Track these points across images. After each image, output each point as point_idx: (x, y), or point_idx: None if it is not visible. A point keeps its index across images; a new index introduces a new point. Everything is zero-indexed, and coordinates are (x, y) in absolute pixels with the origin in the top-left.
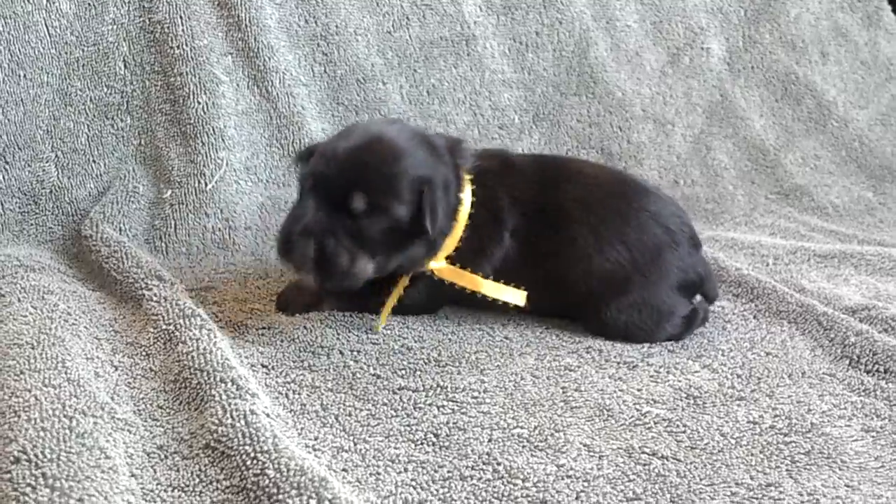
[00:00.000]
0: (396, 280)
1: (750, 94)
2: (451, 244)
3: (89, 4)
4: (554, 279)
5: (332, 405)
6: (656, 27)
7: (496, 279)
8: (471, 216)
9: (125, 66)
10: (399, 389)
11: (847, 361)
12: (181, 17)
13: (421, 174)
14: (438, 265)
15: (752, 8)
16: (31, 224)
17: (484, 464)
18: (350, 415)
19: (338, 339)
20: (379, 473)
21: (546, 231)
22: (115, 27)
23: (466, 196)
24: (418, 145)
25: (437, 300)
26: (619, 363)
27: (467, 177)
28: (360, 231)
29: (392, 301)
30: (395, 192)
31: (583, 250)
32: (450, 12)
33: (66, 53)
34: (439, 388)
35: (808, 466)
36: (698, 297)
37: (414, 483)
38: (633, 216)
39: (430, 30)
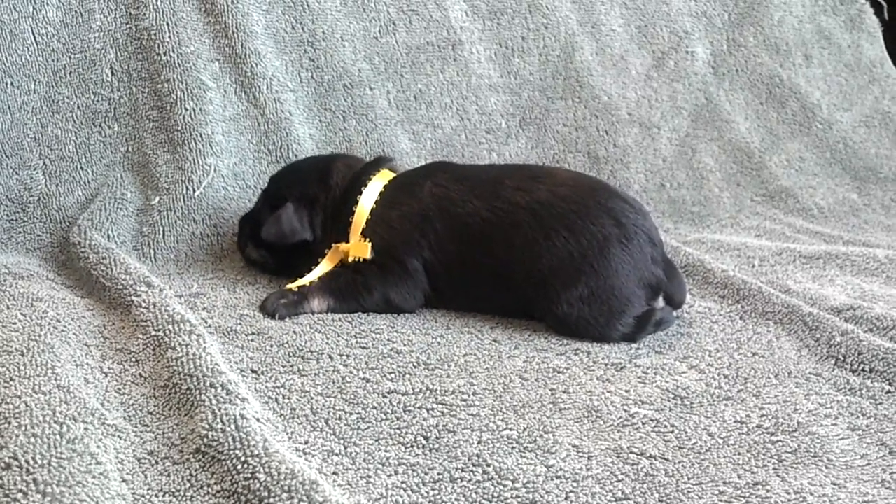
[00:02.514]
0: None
1: (735, 97)
2: (355, 228)
3: (76, 12)
4: (502, 272)
5: (321, 409)
6: (641, 31)
7: (437, 272)
8: (389, 211)
9: (112, 73)
10: (388, 393)
11: (833, 361)
12: (168, 24)
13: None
14: (346, 246)
15: (737, 12)
16: (20, 232)
17: (474, 465)
18: (340, 418)
19: (327, 343)
20: (369, 476)
21: (491, 222)
22: (101, 34)
23: (368, 191)
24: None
25: (409, 292)
26: (606, 365)
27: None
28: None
29: (312, 275)
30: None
31: (529, 238)
32: (436, 18)
33: (53, 61)
34: (429, 392)
35: (794, 465)
36: (661, 302)
37: (404, 485)
38: (584, 207)
39: (416, 35)
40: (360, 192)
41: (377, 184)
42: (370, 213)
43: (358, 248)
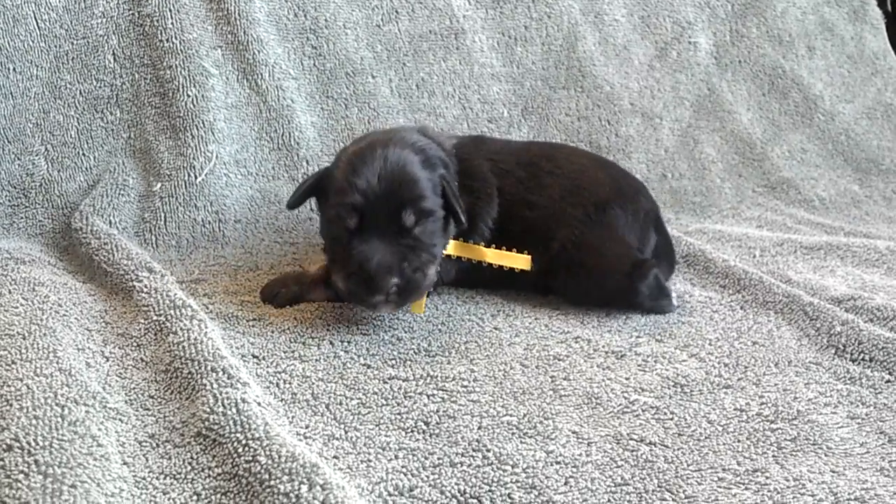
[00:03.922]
0: None
1: (737, 87)
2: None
3: None
4: (536, 231)
5: (322, 394)
6: (644, 21)
7: (497, 246)
8: (460, 188)
9: (115, 59)
10: (389, 379)
11: (833, 350)
12: (170, 11)
13: (437, 172)
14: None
15: (740, 2)
16: (21, 217)
17: (474, 450)
18: (341, 404)
19: (328, 329)
20: (370, 460)
21: (525, 187)
22: (104, 20)
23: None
24: (420, 149)
25: (446, 277)
26: (607, 353)
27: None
28: (418, 242)
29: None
30: (430, 196)
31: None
32: (439, 6)
33: (55, 47)
34: (429, 378)
35: (794, 452)
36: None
37: (405, 469)
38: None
39: (419, 23)
40: None
41: None
42: None
43: (516, 259)
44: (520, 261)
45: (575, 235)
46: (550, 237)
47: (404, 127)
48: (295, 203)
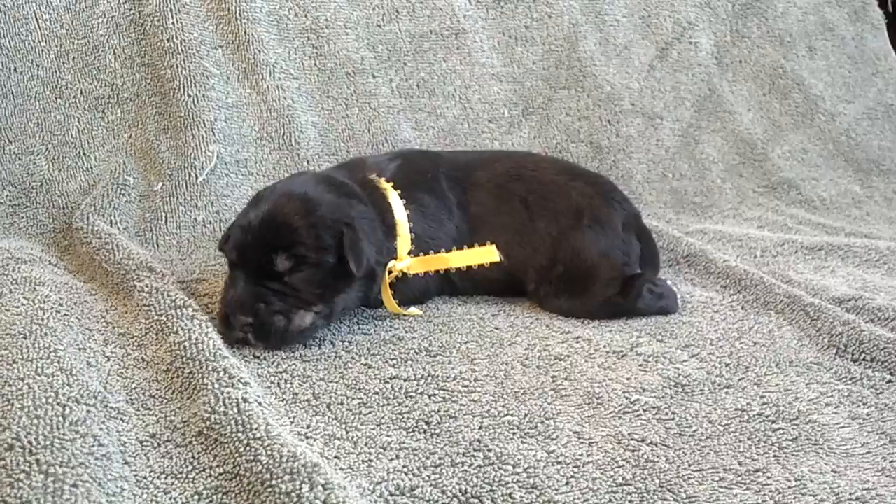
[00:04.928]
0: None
1: (738, 88)
2: (403, 245)
3: None
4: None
5: (323, 394)
6: (645, 21)
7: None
8: (413, 209)
9: (115, 58)
10: (390, 379)
11: (834, 351)
12: (171, 10)
13: (335, 217)
14: (404, 264)
15: (741, 2)
16: (22, 217)
17: (475, 450)
18: (342, 403)
19: (328, 330)
20: (371, 460)
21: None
22: (105, 20)
23: (395, 200)
24: (325, 191)
25: (428, 290)
26: (608, 352)
27: (387, 184)
28: (291, 289)
29: (388, 299)
30: (313, 243)
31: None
32: (439, 6)
33: (56, 46)
34: (430, 377)
35: (795, 452)
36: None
37: (406, 469)
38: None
39: (419, 23)
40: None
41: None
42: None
43: (482, 254)
44: (487, 254)
45: (557, 267)
46: (528, 265)
47: (307, 173)
48: (221, 242)
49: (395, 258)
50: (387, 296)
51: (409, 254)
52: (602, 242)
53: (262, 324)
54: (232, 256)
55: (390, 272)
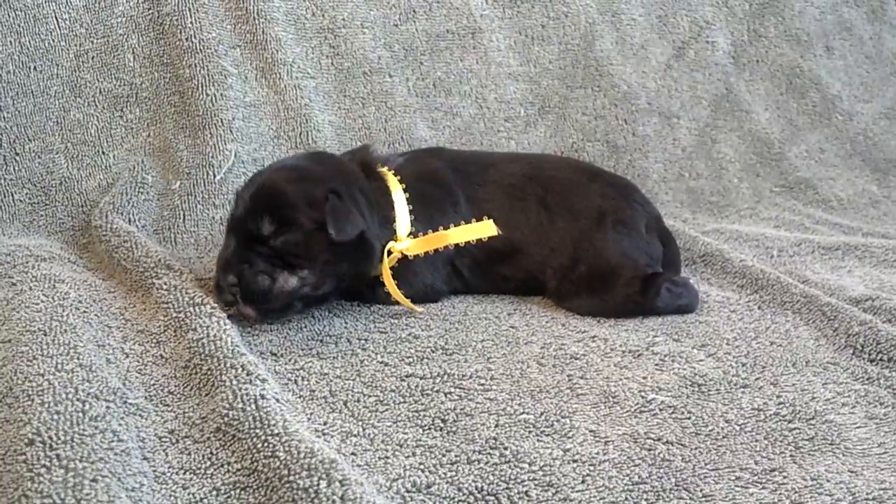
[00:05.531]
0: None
1: (755, 87)
2: (402, 227)
3: None
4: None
5: (340, 391)
6: (662, 21)
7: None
8: (414, 196)
9: (134, 58)
10: (406, 376)
11: (851, 350)
12: (189, 10)
13: (323, 184)
14: (404, 245)
15: (758, 2)
16: (42, 215)
17: (491, 448)
18: (358, 401)
19: (345, 327)
20: (387, 457)
21: (501, 192)
22: (124, 19)
23: (394, 185)
24: (317, 163)
25: (435, 285)
26: (623, 352)
27: (389, 171)
28: (275, 251)
29: (390, 283)
30: (297, 207)
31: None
32: (456, 5)
33: (76, 45)
34: (446, 376)
35: (811, 452)
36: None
37: (422, 466)
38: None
39: (436, 23)
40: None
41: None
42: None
43: (480, 228)
44: (485, 229)
45: (579, 267)
46: (546, 264)
47: (306, 151)
48: None
49: (395, 240)
50: (387, 277)
51: (409, 235)
52: (626, 243)
53: (246, 283)
54: (228, 226)
55: (390, 253)
